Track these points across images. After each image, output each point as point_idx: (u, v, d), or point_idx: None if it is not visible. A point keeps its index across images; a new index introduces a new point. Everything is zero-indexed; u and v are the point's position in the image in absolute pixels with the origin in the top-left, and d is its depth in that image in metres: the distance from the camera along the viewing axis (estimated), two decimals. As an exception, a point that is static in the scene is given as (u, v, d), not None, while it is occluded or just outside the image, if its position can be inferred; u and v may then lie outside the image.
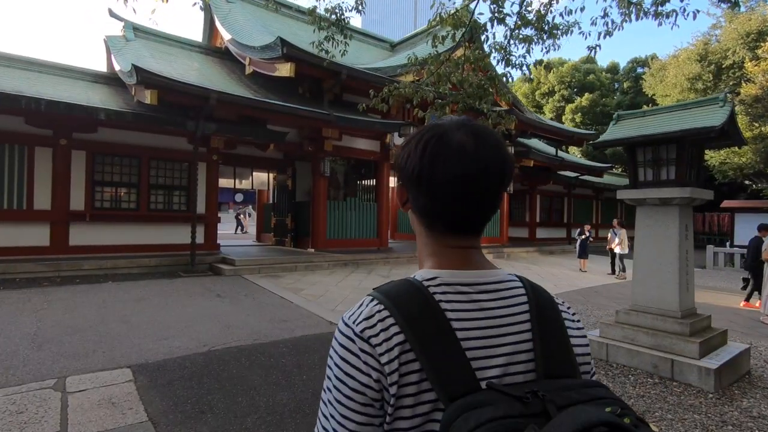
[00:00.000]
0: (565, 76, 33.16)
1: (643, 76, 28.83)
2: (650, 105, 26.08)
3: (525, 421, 0.50)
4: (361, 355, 0.59)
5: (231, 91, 9.19)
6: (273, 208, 13.96)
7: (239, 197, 29.28)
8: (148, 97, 8.02)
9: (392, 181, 15.59)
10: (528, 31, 5.85)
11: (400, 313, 0.61)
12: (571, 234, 17.75)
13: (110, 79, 10.58)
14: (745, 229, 14.57)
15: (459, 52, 6.47)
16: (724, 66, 22.01)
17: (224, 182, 12.35)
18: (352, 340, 0.61)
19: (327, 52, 6.60)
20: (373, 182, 13.36)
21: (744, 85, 20.11)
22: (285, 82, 11.62)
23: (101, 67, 11.66)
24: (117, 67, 9.72)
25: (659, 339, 4.29)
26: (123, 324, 5.28)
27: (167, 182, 10.04)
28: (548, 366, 0.63)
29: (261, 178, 13.58)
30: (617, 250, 11.32)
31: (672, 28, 5.38)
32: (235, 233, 22.42)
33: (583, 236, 11.96)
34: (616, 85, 34.89)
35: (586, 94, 32.06)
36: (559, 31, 5.76)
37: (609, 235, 11.94)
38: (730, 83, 21.88)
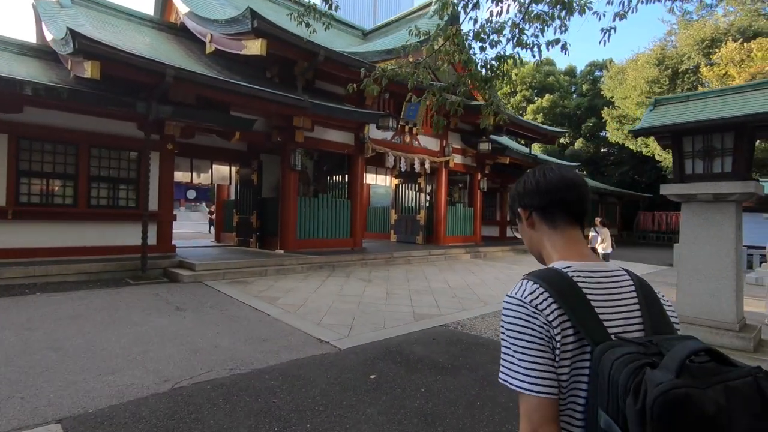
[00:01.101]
0: (527, 77, 33.53)
1: (602, 79, 29.55)
2: (610, 107, 26.83)
3: (648, 358, 0.72)
4: (531, 316, 0.85)
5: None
6: (235, 205, 12.66)
7: (192, 194, 27.16)
8: (88, 69, 6.67)
9: (366, 178, 14.69)
10: (542, 7, 5.27)
11: (553, 289, 0.86)
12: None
13: (41, 52, 8.96)
14: (745, 229, 14.71)
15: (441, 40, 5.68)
16: (680, 71, 22.79)
17: (180, 176, 10.97)
18: (523, 308, 0.86)
19: (308, 25, 5.64)
20: (346, 178, 12.38)
21: (699, 89, 20.90)
22: (252, 64, 10.44)
23: (31, 38, 9.96)
24: (49, 37, 8.19)
25: (717, 356, 3.72)
26: (53, 353, 4.08)
27: (112, 174, 8.60)
28: (654, 326, 0.90)
29: (222, 171, 12.25)
30: (600, 249, 11.03)
31: (684, 15, 4.98)
32: (209, 232, 21.25)
33: None
34: (574, 88, 35.72)
35: (547, 95, 32.56)
36: (577, 7, 5.21)
37: (590, 234, 11.67)
38: (686, 87, 22.70)
